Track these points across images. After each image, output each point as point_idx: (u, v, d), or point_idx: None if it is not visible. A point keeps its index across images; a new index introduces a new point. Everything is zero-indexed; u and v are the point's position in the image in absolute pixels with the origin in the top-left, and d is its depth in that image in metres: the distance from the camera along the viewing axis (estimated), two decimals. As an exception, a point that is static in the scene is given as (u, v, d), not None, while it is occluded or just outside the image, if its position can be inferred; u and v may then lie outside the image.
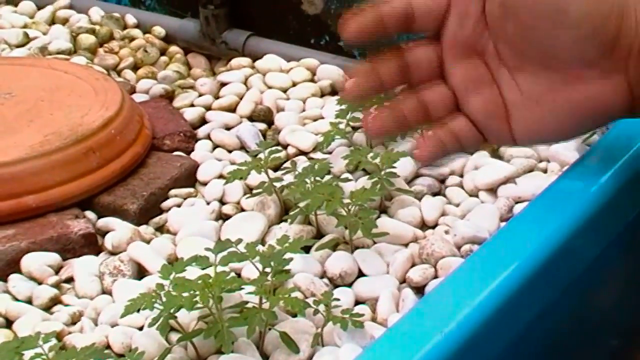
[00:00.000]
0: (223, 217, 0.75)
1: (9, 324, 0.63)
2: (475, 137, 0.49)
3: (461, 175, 0.77)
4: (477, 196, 0.74)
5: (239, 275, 0.66)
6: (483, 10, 0.47)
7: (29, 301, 0.65)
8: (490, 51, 0.48)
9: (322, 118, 0.87)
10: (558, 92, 0.47)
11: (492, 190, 0.74)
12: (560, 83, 0.47)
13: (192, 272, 0.60)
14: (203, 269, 0.61)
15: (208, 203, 0.76)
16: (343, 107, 0.81)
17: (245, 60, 0.98)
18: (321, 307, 0.59)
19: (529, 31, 0.46)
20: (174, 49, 1.05)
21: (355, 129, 0.83)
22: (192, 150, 0.84)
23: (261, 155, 0.75)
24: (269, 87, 0.93)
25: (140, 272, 0.68)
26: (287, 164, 0.78)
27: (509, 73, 0.48)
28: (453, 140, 0.49)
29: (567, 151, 0.76)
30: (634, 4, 0.46)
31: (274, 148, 0.76)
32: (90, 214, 0.74)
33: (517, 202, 0.72)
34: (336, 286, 0.65)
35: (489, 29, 0.47)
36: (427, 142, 0.49)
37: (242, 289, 0.59)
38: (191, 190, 0.78)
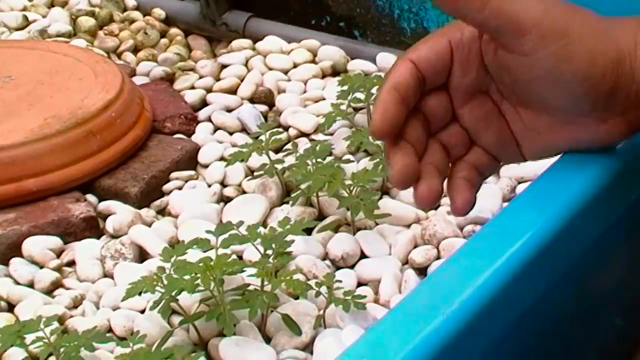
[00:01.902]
0: (224, 200, 0.75)
1: (10, 307, 0.63)
2: (492, 163, 0.53)
3: (463, 156, 0.76)
4: (479, 177, 0.74)
5: (240, 257, 0.66)
6: (482, 60, 0.49)
7: (31, 285, 0.65)
8: (494, 89, 0.51)
9: (324, 99, 0.87)
10: (557, 132, 0.51)
11: (495, 171, 0.74)
12: (559, 125, 0.50)
13: (194, 255, 0.60)
14: (204, 251, 0.61)
15: (209, 185, 0.76)
16: (344, 88, 0.81)
17: (246, 42, 0.97)
18: (323, 289, 0.59)
19: (525, 85, 0.49)
20: (174, 31, 1.04)
21: (356, 110, 0.83)
22: (193, 132, 0.84)
23: (262, 137, 0.74)
24: (270, 69, 0.93)
25: (142, 255, 0.68)
26: (289, 146, 0.78)
27: (512, 107, 0.51)
28: (475, 173, 0.53)
29: (570, 131, 0.76)
30: (629, 51, 0.48)
31: (275, 130, 0.75)
32: (91, 197, 0.74)
33: (519, 183, 0.72)
34: (338, 268, 0.65)
35: (490, 75, 0.50)
36: (458, 193, 0.52)
37: (244, 271, 0.59)
38: (192, 172, 0.78)
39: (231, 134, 0.83)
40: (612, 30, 0.48)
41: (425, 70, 0.50)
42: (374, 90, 0.80)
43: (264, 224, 0.70)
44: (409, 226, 0.69)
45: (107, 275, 0.66)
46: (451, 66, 0.51)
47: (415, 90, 0.50)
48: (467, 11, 0.48)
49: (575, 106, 0.49)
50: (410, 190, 0.72)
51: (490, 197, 0.70)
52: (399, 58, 0.51)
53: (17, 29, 1.02)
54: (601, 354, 0.75)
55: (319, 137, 0.80)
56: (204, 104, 0.88)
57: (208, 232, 0.62)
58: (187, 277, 0.56)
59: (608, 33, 0.47)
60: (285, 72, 0.92)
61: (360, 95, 0.80)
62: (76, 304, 0.64)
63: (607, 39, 0.47)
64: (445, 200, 0.71)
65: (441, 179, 0.51)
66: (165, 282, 0.57)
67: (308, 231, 0.68)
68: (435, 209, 0.71)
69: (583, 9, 0.49)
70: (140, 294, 0.59)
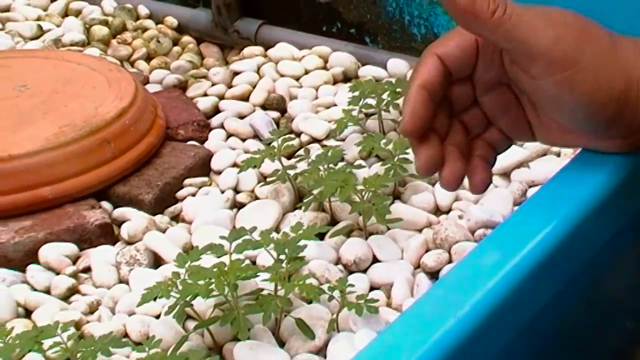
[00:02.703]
0: (237, 206, 0.75)
1: (28, 313, 0.64)
2: (505, 141, 0.55)
3: (474, 160, 0.77)
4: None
5: (254, 263, 0.66)
6: (503, 61, 0.52)
7: (47, 291, 0.66)
8: (514, 82, 0.52)
9: (335, 105, 0.87)
10: (566, 135, 0.53)
11: (506, 175, 0.74)
12: (568, 131, 0.52)
13: (208, 261, 0.61)
14: (218, 257, 0.62)
15: (222, 192, 0.76)
16: (356, 94, 0.82)
17: (258, 49, 0.98)
18: (336, 294, 0.60)
19: (534, 98, 0.51)
20: (186, 39, 1.05)
21: (367, 115, 0.83)
22: (206, 139, 0.84)
23: (274, 144, 0.75)
24: (282, 76, 0.93)
25: (156, 261, 0.69)
26: (301, 152, 0.79)
27: (530, 103, 0.53)
28: (491, 151, 0.55)
29: (581, 134, 0.76)
30: (637, 79, 0.49)
31: (287, 136, 0.76)
32: (106, 205, 0.75)
33: (530, 186, 0.72)
34: (351, 272, 0.66)
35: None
36: (476, 173, 0.54)
37: (257, 276, 0.60)
38: (205, 179, 0.79)
39: (244, 140, 0.84)
40: (624, 58, 0.49)
41: (451, 65, 0.52)
42: (385, 96, 0.80)
43: (277, 229, 0.71)
44: (420, 230, 0.69)
45: (122, 281, 0.67)
46: (476, 62, 0.52)
47: (442, 86, 0.52)
48: (481, 29, 0.50)
49: (578, 126, 0.51)
50: (423, 195, 0.73)
51: (501, 201, 0.70)
52: (427, 51, 0.52)
53: (32, 39, 1.03)
54: (611, 356, 0.76)
55: (331, 142, 0.81)
56: (216, 111, 0.89)
57: (222, 237, 0.62)
58: (201, 282, 0.57)
59: (619, 61, 0.49)
60: (297, 79, 0.93)
61: (371, 101, 0.81)
62: (92, 309, 0.64)
63: (616, 68, 0.49)
64: (457, 205, 0.72)
65: (463, 161, 0.53)
66: (180, 287, 0.58)
67: (320, 236, 0.68)
68: (447, 213, 0.72)
69: (596, 36, 0.50)
70: (155, 299, 0.60)
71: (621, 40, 0.50)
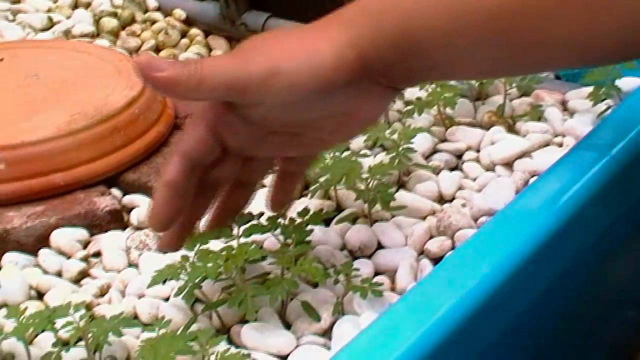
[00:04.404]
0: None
1: (40, 296, 0.66)
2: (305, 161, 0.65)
3: (477, 151, 0.78)
4: (493, 170, 0.76)
5: (261, 247, 0.67)
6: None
7: (59, 274, 0.68)
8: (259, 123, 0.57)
9: (341, 96, 0.88)
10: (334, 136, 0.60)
11: (509, 165, 0.75)
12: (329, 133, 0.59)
13: (215, 245, 0.62)
14: (226, 242, 0.63)
15: (230, 180, 0.77)
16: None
17: (265, 41, 0.99)
18: (341, 277, 0.61)
19: (278, 124, 0.58)
20: (194, 31, 1.07)
21: (373, 106, 0.85)
22: (214, 129, 0.85)
23: (281, 133, 0.76)
24: (289, 67, 0.94)
25: (166, 246, 0.70)
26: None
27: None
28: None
29: (583, 126, 0.77)
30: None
31: (294, 125, 0.77)
32: (116, 191, 0.76)
33: (532, 176, 0.73)
34: (355, 258, 0.67)
35: None
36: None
37: (265, 259, 0.61)
38: (213, 167, 0.80)
39: (251, 130, 0.85)
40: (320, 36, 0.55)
41: (196, 158, 0.57)
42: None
43: (284, 216, 0.72)
44: (424, 218, 0.70)
45: (132, 265, 0.69)
46: (223, 140, 0.57)
47: (190, 181, 0.57)
48: (189, 93, 0.53)
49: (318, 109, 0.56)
50: (427, 184, 0.74)
51: (504, 190, 0.71)
52: (173, 152, 0.57)
53: (42, 30, 1.05)
54: (613, 343, 0.77)
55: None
56: (224, 101, 0.90)
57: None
58: (210, 264, 0.58)
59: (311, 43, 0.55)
60: (304, 71, 0.94)
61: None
62: (103, 292, 0.66)
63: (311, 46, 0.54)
64: (460, 193, 0.73)
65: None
66: (189, 269, 0.59)
67: (326, 222, 0.70)
68: (450, 201, 0.73)
69: (276, 36, 0.56)
70: (164, 282, 0.61)
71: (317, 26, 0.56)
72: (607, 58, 0.55)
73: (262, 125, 0.57)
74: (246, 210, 0.65)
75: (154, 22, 1.07)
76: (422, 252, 0.67)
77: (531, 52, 0.54)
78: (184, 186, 0.57)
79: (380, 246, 0.68)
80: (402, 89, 0.59)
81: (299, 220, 0.64)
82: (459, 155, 0.78)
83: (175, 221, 0.58)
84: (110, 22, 1.05)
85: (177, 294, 0.60)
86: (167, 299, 0.64)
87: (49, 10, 1.09)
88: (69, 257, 0.69)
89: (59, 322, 0.57)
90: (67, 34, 1.03)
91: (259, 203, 0.67)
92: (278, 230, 0.63)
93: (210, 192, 0.61)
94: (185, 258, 0.60)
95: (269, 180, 0.67)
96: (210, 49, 1.05)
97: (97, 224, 0.72)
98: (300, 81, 0.53)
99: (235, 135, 0.57)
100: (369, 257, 0.67)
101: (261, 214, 0.64)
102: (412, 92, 0.83)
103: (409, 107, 0.81)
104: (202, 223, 0.63)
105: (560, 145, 0.77)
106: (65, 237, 0.70)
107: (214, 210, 0.63)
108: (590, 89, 0.81)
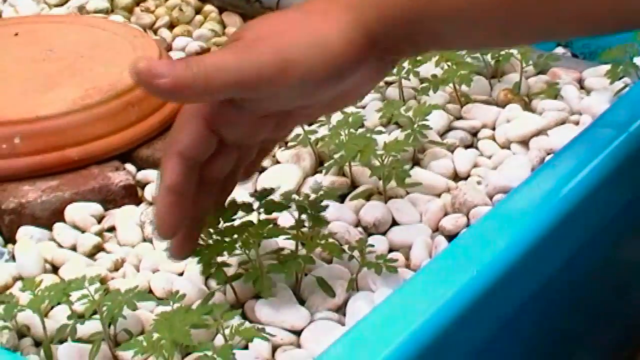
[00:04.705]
0: (259, 170, 0.76)
1: (55, 269, 0.66)
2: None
3: (493, 129, 0.78)
4: (509, 148, 0.75)
5: (275, 223, 0.67)
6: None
7: (74, 248, 0.68)
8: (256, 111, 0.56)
9: (356, 73, 0.88)
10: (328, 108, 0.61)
11: (524, 143, 0.75)
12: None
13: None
14: (241, 218, 0.63)
15: (244, 156, 0.77)
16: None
17: (280, 18, 0.99)
18: (356, 254, 0.61)
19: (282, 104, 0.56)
20: (208, 7, 1.06)
21: (387, 83, 0.84)
22: (228, 105, 0.85)
23: (296, 109, 0.76)
24: (303, 44, 0.94)
25: (180, 222, 0.70)
26: (322, 117, 0.80)
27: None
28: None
29: (600, 104, 0.77)
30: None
31: (308, 102, 0.77)
32: (130, 167, 0.76)
33: (548, 154, 0.73)
34: (370, 234, 0.67)
35: None
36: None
37: (280, 235, 0.61)
38: (227, 143, 0.80)
39: (265, 106, 0.85)
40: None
41: (194, 156, 0.54)
42: (405, 64, 0.81)
43: (298, 193, 0.72)
44: (439, 195, 0.70)
45: (146, 240, 0.69)
46: (220, 133, 0.55)
47: (191, 180, 0.55)
48: (194, 98, 0.52)
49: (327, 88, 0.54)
50: (442, 161, 0.74)
51: (519, 167, 0.71)
52: (166, 156, 0.55)
53: (57, 5, 1.04)
54: (627, 323, 0.77)
55: (351, 109, 0.82)
56: (238, 78, 0.90)
57: (251, 195, 0.63)
58: (227, 239, 0.58)
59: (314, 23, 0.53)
60: (318, 47, 0.93)
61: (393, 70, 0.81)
62: (117, 267, 0.66)
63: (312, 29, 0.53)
64: (475, 171, 0.73)
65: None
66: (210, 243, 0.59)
67: (341, 199, 0.70)
68: (465, 179, 0.73)
69: (273, 18, 0.55)
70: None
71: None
72: (616, 28, 0.55)
73: (259, 112, 0.55)
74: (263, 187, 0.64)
75: (168, -2, 1.07)
76: (436, 229, 0.67)
77: (539, 21, 0.53)
78: (186, 188, 0.55)
79: (394, 223, 0.68)
80: (397, 60, 0.59)
81: (313, 196, 0.64)
82: (474, 133, 0.78)
83: (183, 225, 0.56)
84: (124, -2, 1.05)
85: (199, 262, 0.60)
86: (181, 274, 0.64)
87: (63, -14, 1.09)
88: (83, 232, 0.69)
89: (74, 295, 0.57)
90: (81, 9, 1.03)
91: (285, 181, 0.67)
92: (292, 207, 0.63)
93: (209, 187, 0.58)
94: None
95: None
96: (224, 26, 1.05)
97: (112, 198, 0.72)
98: (312, 72, 0.51)
99: (233, 127, 0.55)
100: (384, 233, 0.67)
101: (276, 188, 0.64)
102: (427, 70, 0.82)
103: (424, 85, 0.80)
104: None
105: (577, 123, 0.77)
106: (80, 211, 0.70)
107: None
108: (607, 66, 0.80)
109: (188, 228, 0.58)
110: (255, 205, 0.62)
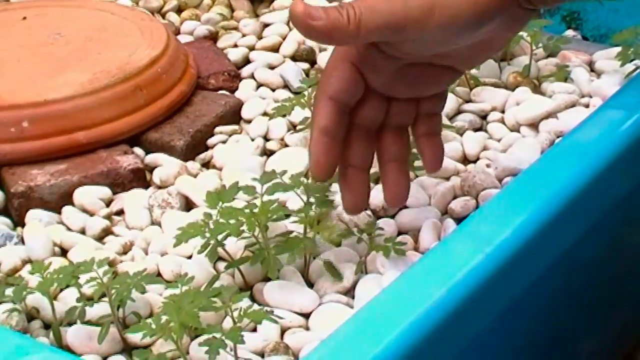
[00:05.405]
0: (267, 153, 0.76)
1: (63, 253, 0.66)
2: (440, 99, 0.62)
3: (502, 111, 0.78)
4: (518, 131, 0.75)
5: (283, 206, 0.67)
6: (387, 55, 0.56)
7: (82, 232, 0.68)
8: (402, 57, 0.56)
9: (364, 57, 0.87)
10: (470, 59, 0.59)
11: (534, 125, 0.75)
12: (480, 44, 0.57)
13: (238, 203, 0.62)
14: (247, 201, 0.63)
15: (252, 139, 0.77)
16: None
17: (288, 1, 0.98)
18: (364, 237, 0.61)
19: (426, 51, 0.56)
20: (217, -9, 1.06)
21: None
22: (237, 89, 0.85)
23: (305, 92, 0.76)
24: (312, 27, 0.93)
25: (188, 205, 0.70)
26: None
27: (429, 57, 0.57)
28: (432, 119, 0.62)
29: (610, 86, 0.76)
30: None
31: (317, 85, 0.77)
32: (138, 150, 0.76)
33: (558, 137, 0.73)
34: (379, 217, 0.67)
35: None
36: (425, 152, 0.62)
37: (288, 217, 0.61)
38: (236, 127, 0.80)
39: (273, 90, 0.85)
40: None
41: (345, 99, 0.56)
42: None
43: (306, 176, 0.72)
44: (448, 178, 0.70)
45: (154, 223, 0.69)
46: (365, 79, 0.56)
47: (342, 123, 0.56)
48: (347, 39, 0.52)
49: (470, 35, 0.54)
50: (451, 144, 0.73)
51: (529, 150, 0.71)
52: (317, 98, 0.56)
53: (65, -11, 1.04)
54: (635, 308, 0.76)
55: (360, 93, 0.81)
56: (246, 61, 0.90)
57: (254, 179, 0.63)
58: (233, 221, 0.58)
59: None
60: (327, 31, 0.93)
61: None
62: (126, 250, 0.66)
63: None
64: (484, 154, 0.73)
65: (404, 173, 0.61)
66: (212, 227, 0.59)
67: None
68: (474, 162, 0.72)
69: None
70: (187, 240, 0.61)
71: None
72: None
73: (403, 58, 0.56)
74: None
75: (176, -18, 1.06)
76: (445, 212, 0.67)
77: None
78: (338, 130, 0.56)
79: (403, 206, 0.68)
80: (537, 10, 0.58)
81: (322, 179, 0.64)
82: (484, 116, 0.78)
83: (335, 168, 0.58)
84: (132, -18, 1.04)
85: (200, 251, 0.60)
86: (189, 257, 0.64)
87: (71, -30, 1.08)
88: (92, 215, 0.69)
89: (83, 278, 0.57)
90: (89, -7, 1.03)
91: (293, 165, 0.66)
92: (301, 189, 0.63)
93: (361, 137, 0.59)
94: (208, 216, 0.60)
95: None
96: (232, 10, 1.04)
97: (120, 182, 0.72)
98: (459, 14, 0.52)
99: (378, 73, 0.56)
100: (392, 216, 0.67)
101: (284, 172, 0.64)
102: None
103: (433, 67, 0.80)
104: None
105: (587, 106, 0.76)
106: (89, 195, 0.70)
107: (384, 169, 0.62)
108: (618, 49, 0.79)
109: (360, 184, 0.60)
110: (258, 188, 0.62)
